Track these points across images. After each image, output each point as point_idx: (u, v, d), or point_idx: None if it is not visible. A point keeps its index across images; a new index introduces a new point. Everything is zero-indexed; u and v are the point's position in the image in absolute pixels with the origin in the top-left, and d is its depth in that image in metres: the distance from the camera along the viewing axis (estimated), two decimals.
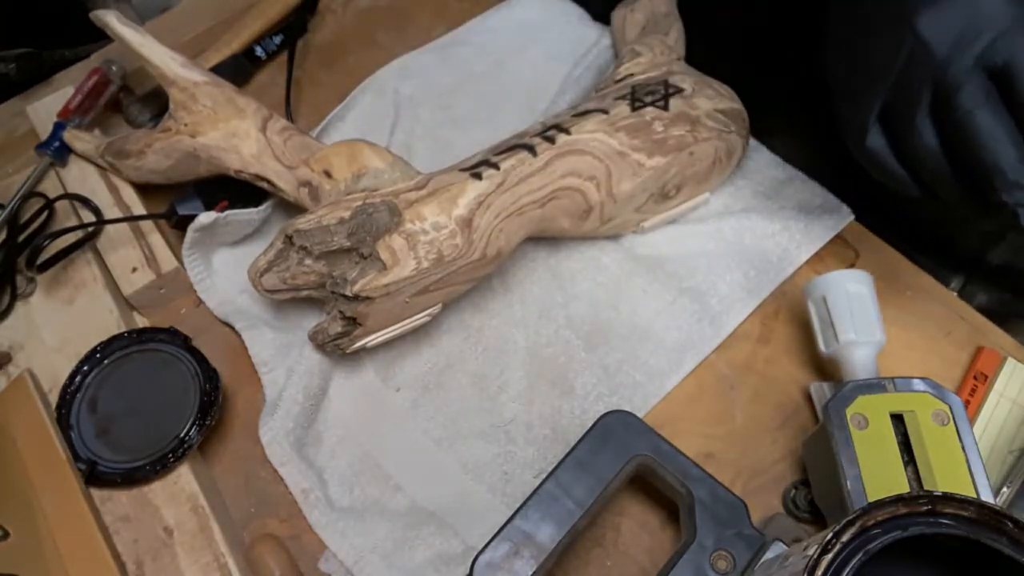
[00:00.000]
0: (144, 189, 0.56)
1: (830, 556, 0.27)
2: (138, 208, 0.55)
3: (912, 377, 0.41)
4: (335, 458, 0.48)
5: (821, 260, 0.53)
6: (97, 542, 0.43)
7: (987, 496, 0.38)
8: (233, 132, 0.51)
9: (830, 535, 0.27)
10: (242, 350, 0.51)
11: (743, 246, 0.53)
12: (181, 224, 0.54)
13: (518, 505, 0.39)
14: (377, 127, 0.61)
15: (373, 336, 0.47)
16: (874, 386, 0.41)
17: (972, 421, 0.45)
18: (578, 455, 0.40)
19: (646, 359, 0.50)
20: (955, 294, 0.52)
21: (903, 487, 0.39)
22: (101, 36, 0.53)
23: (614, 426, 0.41)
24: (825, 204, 0.54)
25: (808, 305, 0.47)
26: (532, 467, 0.47)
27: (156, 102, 0.61)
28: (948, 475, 0.38)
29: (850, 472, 0.39)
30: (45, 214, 0.55)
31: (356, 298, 0.45)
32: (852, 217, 0.54)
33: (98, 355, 0.49)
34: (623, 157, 0.49)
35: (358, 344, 0.47)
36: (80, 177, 0.56)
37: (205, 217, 0.52)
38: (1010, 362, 0.47)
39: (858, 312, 0.44)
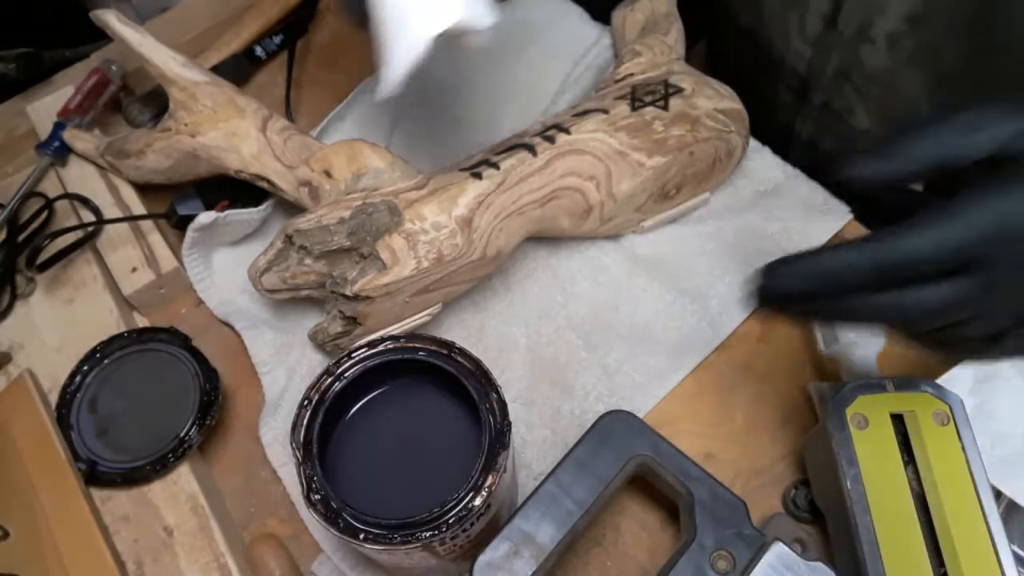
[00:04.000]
0: (144, 189, 0.56)
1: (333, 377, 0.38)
2: (138, 208, 0.55)
3: (912, 377, 0.41)
4: None
5: None
6: (97, 542, 0.43)
7: (987, 497, 0.38)
8: (233, 132, 0.51)
9: (333, 362, 0.38)
10: (242, 350, 0.51)
11: (743, 246, 0.53)
12: (181, 224, 0.54)
13: (518, 505, 0.39)
14: (377, 127, 0.61)
15: (373, 336, 0.47)
16: (874, 386, 0.41)
17: None
18: (578, 455, 0.40)
19: (646, 359, 0.50)
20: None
21: (903, 487, 0.39)
22: (101, 36, 0.53)
23: (614, 426, 0.41)
24: (825, 204, 0.54)
25: None
26: (532, 467, 0.47)
27: (156, 102, 0.61)
28: (948, 475, 0.38)
29: (850, 472, 0.39)
30: (45, 214, 0.55)
31: (356, 298, 0.44)
32: (852, 216, 0.53)
33: (98, 355, 0.49)
34: (623, 157, 0.49)
35: (358, 344, 0.47)
36: (80, 177, 0.56)
37: (205, 217, 0.52)
38: None
39: None
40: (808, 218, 0.53)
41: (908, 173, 0.30)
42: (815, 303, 0.32)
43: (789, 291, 0.32)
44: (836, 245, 0.31)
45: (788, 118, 0.59)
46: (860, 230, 0.54)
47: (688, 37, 0.59)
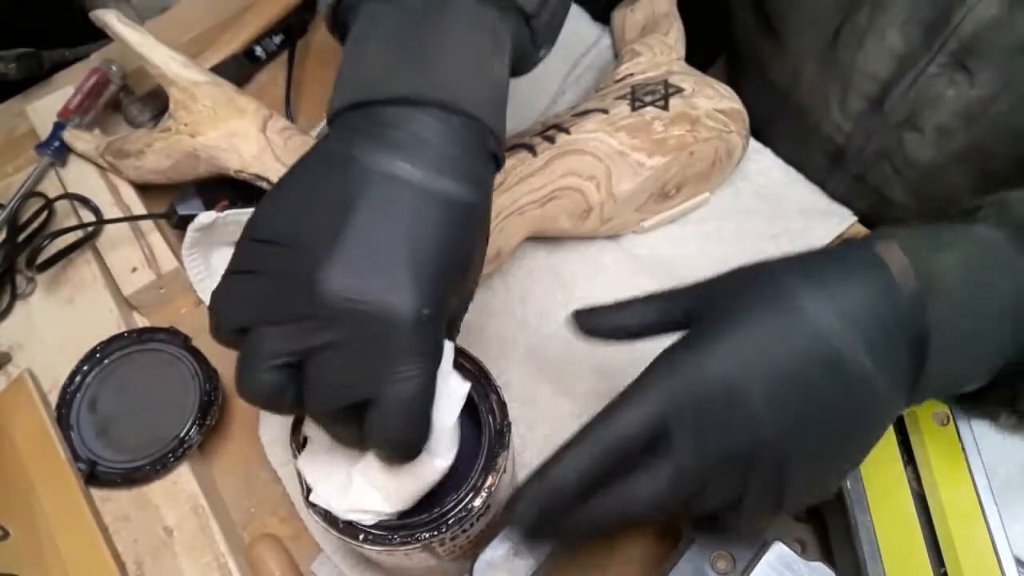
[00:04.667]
0: (144, 189, 0.56)
1: None
2: (138, 208, 0.55)
3: None
4: None
5: None
6: (97, 542, 0.43)
7: (987, 497, 0.38)
8: (233, 132, 0.51)
9: None
10: None
11: (743, 247, 0.53)
12: (181, 224, 0.53)
13: None
14: None
15: None
16: None
17: None
18: None
19: (646, 359, 0.50)
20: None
21: (903, 488, 0.39)
22: (101, 36, 0.53)
23: None
24: (826, 206, 0.54)
25: None
26: (532, 467, 0.46)
27: (156, 102, 0.61)
28: (948, 475, 0.38)
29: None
30: (45, 214, 0.55)
31: None
32: (854, 219, 0.53)
33: (98, 355, 0.49)
34: (623, 157, 0.49)
35: None
36: (80, 177, 0.56)
37: (205, 217, 0.52)
38: None
39: None
40: (809, 219, 0.53)
41: (637, 326, 0.38)
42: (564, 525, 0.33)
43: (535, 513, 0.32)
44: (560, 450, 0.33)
45: (819, 177, 0.56)
46: (862, 233, 0.54)
47: (702, 50, 0.57)
